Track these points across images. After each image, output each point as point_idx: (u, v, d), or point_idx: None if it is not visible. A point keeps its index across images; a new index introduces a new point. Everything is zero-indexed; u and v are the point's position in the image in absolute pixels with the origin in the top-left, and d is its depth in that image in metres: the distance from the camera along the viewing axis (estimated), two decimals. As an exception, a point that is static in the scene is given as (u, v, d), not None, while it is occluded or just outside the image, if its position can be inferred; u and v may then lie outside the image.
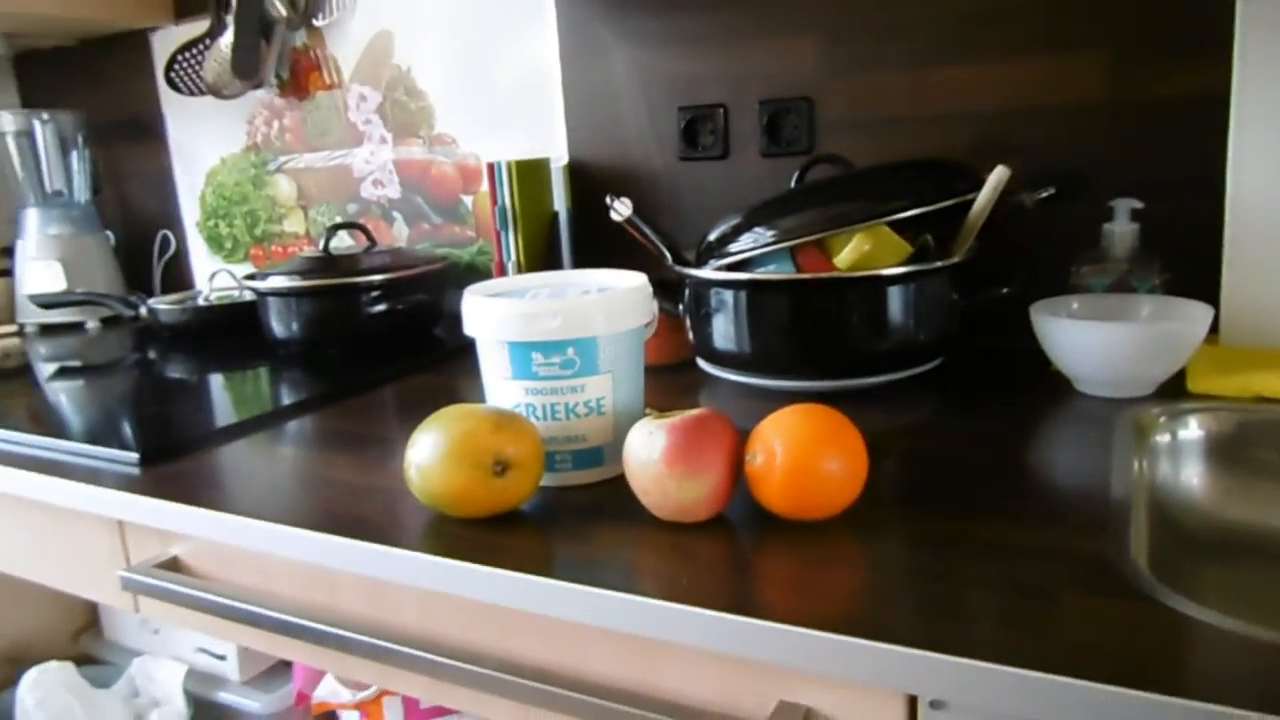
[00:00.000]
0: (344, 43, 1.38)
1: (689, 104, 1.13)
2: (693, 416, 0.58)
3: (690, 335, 0.91)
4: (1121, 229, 0.87)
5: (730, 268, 0.83)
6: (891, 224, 0.79)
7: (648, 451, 0.57)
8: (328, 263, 1.16)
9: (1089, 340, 0.75)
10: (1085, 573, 0.49)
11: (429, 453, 0.59)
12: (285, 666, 1.35)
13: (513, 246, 1.12)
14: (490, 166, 1.13)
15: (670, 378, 0.94)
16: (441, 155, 1.33)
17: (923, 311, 0.81)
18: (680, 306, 0.91)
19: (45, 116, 1.56)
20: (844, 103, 1.05)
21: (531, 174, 1.15)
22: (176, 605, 0.73)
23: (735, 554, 0.55)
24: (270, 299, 1.16)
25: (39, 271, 1.56)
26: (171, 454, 0.81)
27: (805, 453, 0.55)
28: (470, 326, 0.67)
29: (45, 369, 1.25)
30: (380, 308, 1.15)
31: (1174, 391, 0.77)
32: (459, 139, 1.32)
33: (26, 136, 1.56)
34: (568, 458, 0.66)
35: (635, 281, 0.70)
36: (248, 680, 1.33)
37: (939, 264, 0.80)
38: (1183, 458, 0.73)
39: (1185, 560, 0.69)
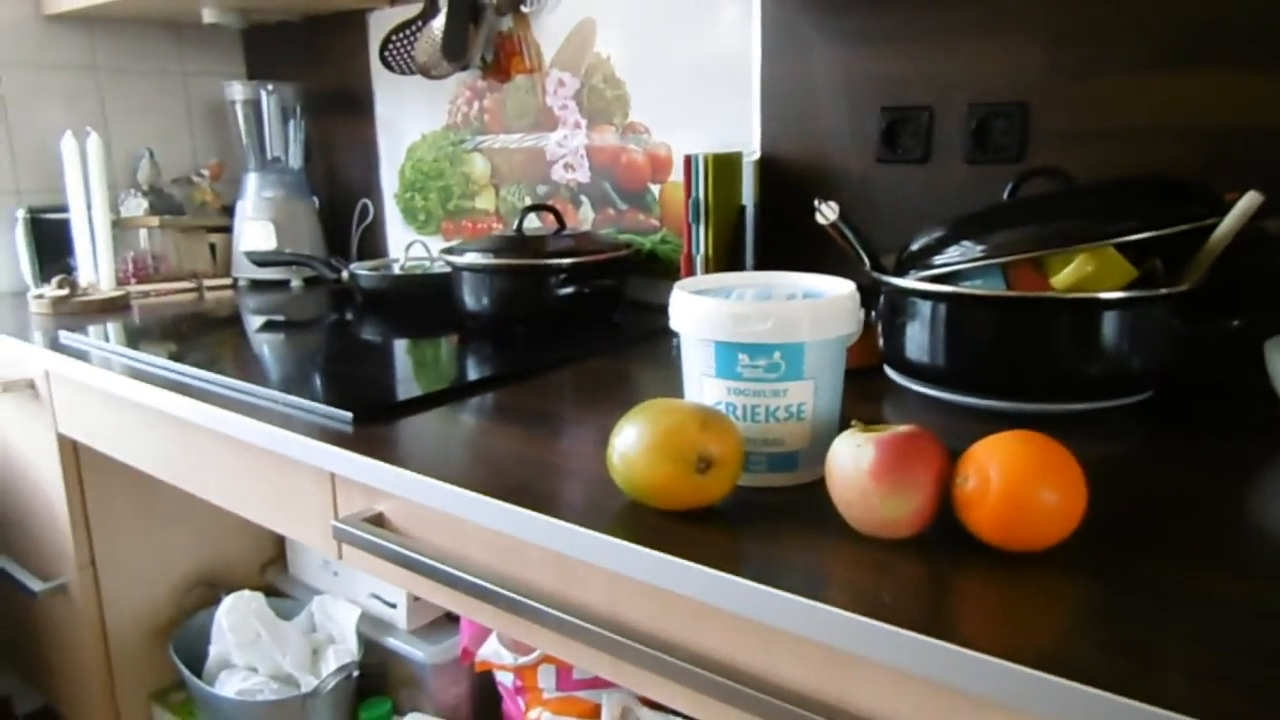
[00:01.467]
0: (548, 29, 1.42)
1: (892, 104, 1.11)
2: (903, 433, 0.57)
3: (881, 343, 0.89)
4: (1378, 265, 0.79)
5: (935, 279, 0.80)
6: (1119, 246, 0.75)
7: (854, 464, 0.56)
8: (520, 242, 1.21)
9: (1335, 386, 0.69)
10: (1333, 643, 0.45)
11: (634, 443, 0.61)
12: (449, 621, 1.43)
13: (703, 240, 1.13)
14: (687, 159, 1.14)
15: (855, 383, 0.92)
16: (633, 143, 1.36)
17: (1139, 338, 0.76)
18: (873, 313, 0.89)
19: (270, 88, 1.69)
20: (1061, 110, 1.00)
21: (725, 168, 1.16)
22: (377, 557, 0.78)
23: (936, 576, 0.54)
24: (464, 273, 1.21)
25: (254, 231, 1.70)
26: (379, 416, 0.87)
27: (1023, 481, 0.53)
28: (677, 321, 0.68)
29: (254, 321, 1.36)
30: (566, 290, 1.18)
31: None
32: (652, 128, 1.34)
33: (253, 105, 1.70)
34: (763, 460, 0.66)
35: (844, 289, 0.70)
36: (414, 630, 1.41)
37: (1163, 291, 0.75)
38: None
39: None
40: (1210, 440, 0.74)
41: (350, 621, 1.43)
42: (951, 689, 0.50)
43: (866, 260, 0.89)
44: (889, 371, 0.91)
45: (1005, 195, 0.91)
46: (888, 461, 0.56)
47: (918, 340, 0.83)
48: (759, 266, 1.21)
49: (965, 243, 0.79)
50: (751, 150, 1.23)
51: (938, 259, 0.80)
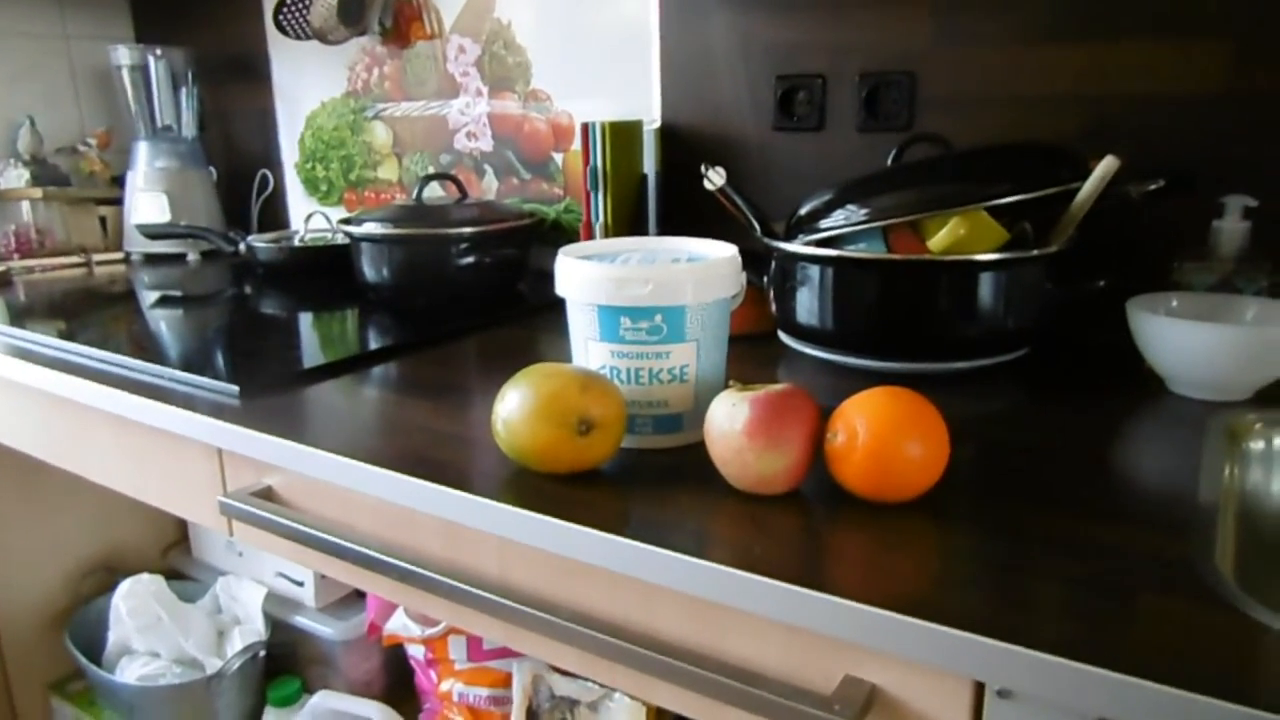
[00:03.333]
0: (446, -6, 1.39)
1: (787, 73, 1.12)
2: (776, 391, 0.59)
3: (773, 307, 0.91)
4: (1231, 226, 0.84)
5: (820, 244, 0.82)
6: (990, 209, 0.77)
7: (730, 423, 0.58)
8: (420, 212, 1.19)
9: (1187, 340, 0.73)
10: (1166, 575, 0.49)
11: (516, 408, 0.62)
12: (358, 598, 1.42)
13: (602, 208, 1.13)
14: (584, 127, 1.14)
15: (750, 348, 0.95)
16: (535, 111, 1.35)
17: (1014, 299, 0.79)
18: (765, 278, 0.91)
19: (159, 52, 1.62)
20: (947, 79, 1.03)
21: (624, 136, 1.16)
22: (268, 532, 0.77)
23: (809, 529, 0.56)
24: (363, 244, 1.19)
25: (146, 202, 1.64)
26: (268, 389, 0.85)
27: (887, 435, 0.55)
28: (561, 287, 0.68)
29: (148, 296, 1.31)
30: (468, 260, 1.17)
31: (1272, 399, 0.75)
32: (554, 96, 1.33)
33: (140, 71, 1.62)
34: (648, 422, 0.67)
35: (726, 252, 0.71)
36: (323, 607, 1.39)
37: (1035, 253, 0.79)
38: (1277, 466, 0.71)
39: (1272, 572, 0.67)
40: (1078, 396, 0.78)
41: (256, 601, 1.40)
42: (825, 637, 0.52)
43: (756, 226, 0.90)
44: (782, 336, 0.93)
45: (889, 161, 0.94)
46: (762, 419, 0.57)
47: (806, 304, 0.85)
48: (662, 234, 1.21)
49: (849, 207, 0.81)
50: (652, 119, 1.23)
51: (824, 223, 0.82)
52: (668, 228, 1.22)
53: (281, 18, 1.50)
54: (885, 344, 0.82)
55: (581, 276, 0.66)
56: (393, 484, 0.66)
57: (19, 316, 1.16)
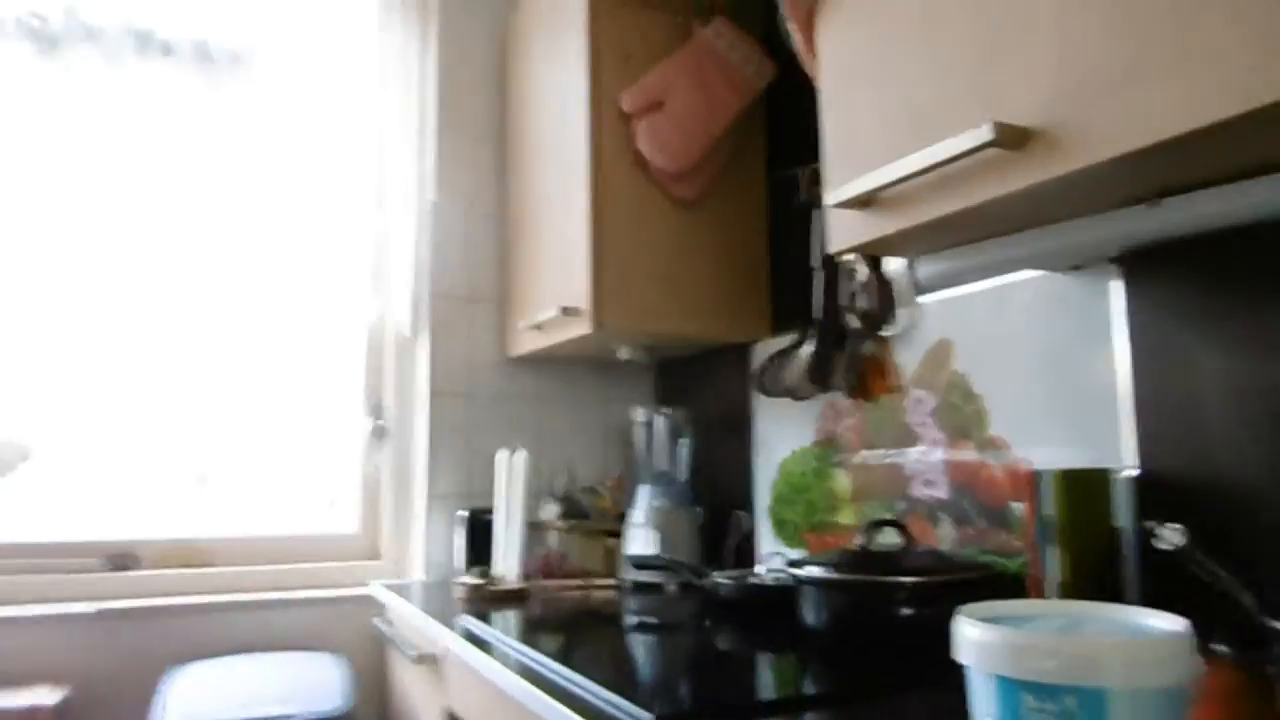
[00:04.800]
0: (906, 350, 1.46)
1: (1295, 415, 0.94)
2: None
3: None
4: None
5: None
6: None
7: None
8: (864, 558, 1.18)
9: None
10: None
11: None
12: None
13: (1055, 564, 1.01)
14: (1030, 476, 1.06)
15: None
16: (992, 458, 1.29)
17: None
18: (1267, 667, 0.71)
19: (666, 411, 1.92)
20: None
21: (1084, 485, 1.05)
22: None
23: None
24: (805, 586, 1.20)
25: (640, 537, 1.86)
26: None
27: None
28: (958, 649, 0.61)
29: (629, 620, 1.45)
30: (909, 610, 1.11)
31: None
32: (1012, 443, 1.27)
33: (648, 427, 1.93)
34: (1065, 835, 0.54)
35: (1170, 626, 0.58)
36: None
37: None
38: None
39: None
40: None
41: None
42: None
43: (1250, 601, 0.73)
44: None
45: None
46: None
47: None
48: (1145, 601, 1.03)
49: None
50: (1125, 467, 1.10)
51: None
52: (1155, 591, 1.03)
53: (763, 378, 1.70)
54: None
55: (977, 638, 0.58)
56: None
57: (519, 628, 1.36)
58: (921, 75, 0.91)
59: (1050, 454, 1.21)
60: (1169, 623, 0.59)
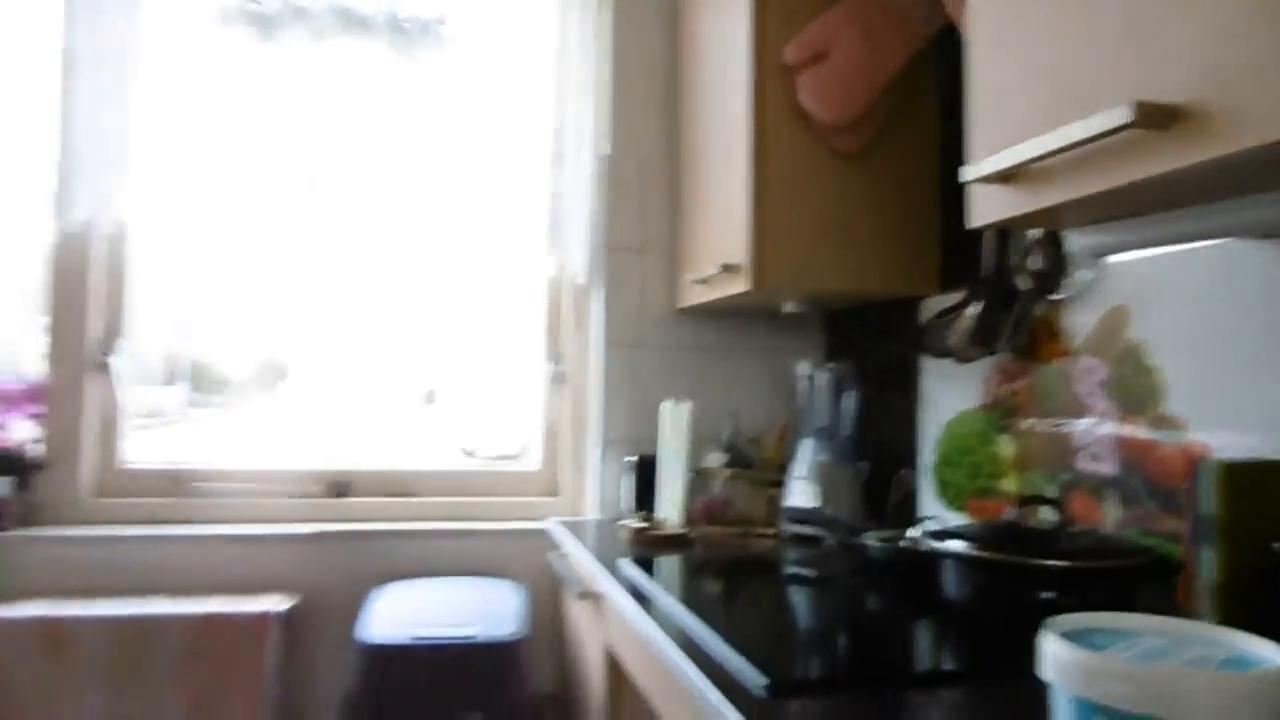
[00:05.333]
0: (1080, 313, 1.38)
1: None
2: None
3: None
4: None
5: None
6: None
7: None
8: (1009, 534, 1.15)
9: None
10: None
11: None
12: None
13: (1210, 566, 0.94)
14: (1191, 464, 0.99)
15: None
16: (1167, 437, 1.21)
17: None
18: None
19: (831, 365, 1.91)
20: None
21: (1256, 479, 0.97)
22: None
23: None
24: (943, 558, 1.19)
25: (800, 489, 1.88)
26: (792, 690, 0.90)
27: None
28: (1041, 662, 0.61)
29: (779, 573, 1.50)
30: (1053, 594, 1.08)
31: None
32: (1190, 422, 1.18)
33: (812, 380, 1.93)
34: None
35: (1272, 657, 0.55)
36: None
37: None
38: None
39: None
40: None
41: None
42: None
43: None
44: None
45: None
46: None
47: None
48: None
49: None
50: (1313, 459, 1.00)
51: None
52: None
53: (924, 338, 1.65)
54: None
55: (1055, 654, 0.58)
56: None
57: (678, 576, 1.43)
58: (1069, 45, 0.85)
59: (1232, 439, 1.12)
60: (1270, 653, 0.56)
